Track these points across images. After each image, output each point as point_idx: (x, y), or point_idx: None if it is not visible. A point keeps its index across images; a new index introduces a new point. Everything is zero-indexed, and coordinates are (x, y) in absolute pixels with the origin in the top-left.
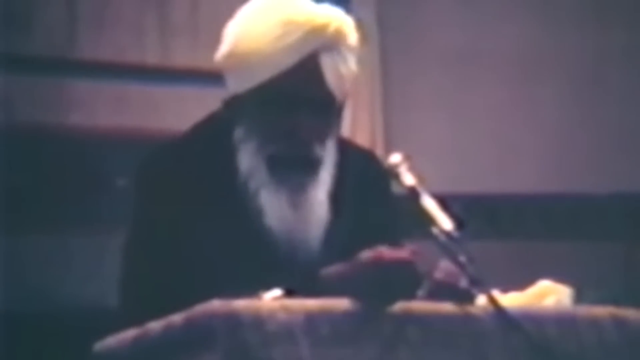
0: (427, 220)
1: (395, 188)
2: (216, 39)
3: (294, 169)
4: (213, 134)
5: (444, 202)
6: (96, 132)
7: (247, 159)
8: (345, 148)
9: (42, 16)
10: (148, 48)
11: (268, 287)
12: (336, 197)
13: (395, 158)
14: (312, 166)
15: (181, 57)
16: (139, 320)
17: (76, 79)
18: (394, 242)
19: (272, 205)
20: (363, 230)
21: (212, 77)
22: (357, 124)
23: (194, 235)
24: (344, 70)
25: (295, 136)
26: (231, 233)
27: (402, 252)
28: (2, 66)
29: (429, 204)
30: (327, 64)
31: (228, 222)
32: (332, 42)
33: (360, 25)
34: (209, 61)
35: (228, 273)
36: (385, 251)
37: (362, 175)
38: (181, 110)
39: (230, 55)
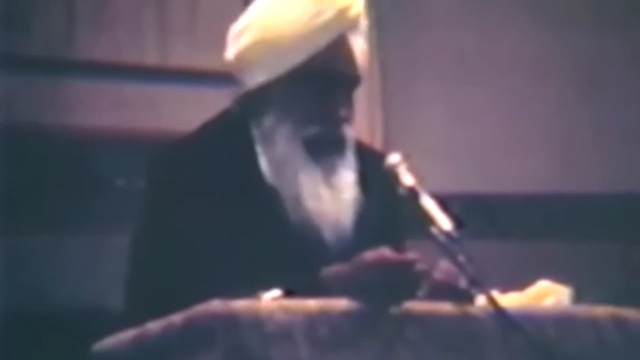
0: (426, 220)
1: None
2: (215, 39)
3: (328, 150)
4: (227, 130)
5: (443, 202)
6: (95, 132)
7: (282, 144)
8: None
9: (41, 16)
10: (147, 48)
11: (283, 282)
12: (361, 179)
13: (394, 158)
14: (342, 146)
15: (180, 57)
16: (149, 318)
17: (75, 79)
18: (398, 243)
19: (309, 188)
20: (383, 221)
21: (211, 77)
22: (356, 123)
23: (218, 229)
24: (365, 49)
25: (332, 116)
26: (254, 226)
27: (405, 252)
28: (1, 66)
29: (428, 203)
30: (354, 42)
31: (249, 217)
32: (357, 22)
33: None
34: (208, 61)
35: (261, 260)
36: (388, 251)
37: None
38: (180, 110)
39: (259, 43)
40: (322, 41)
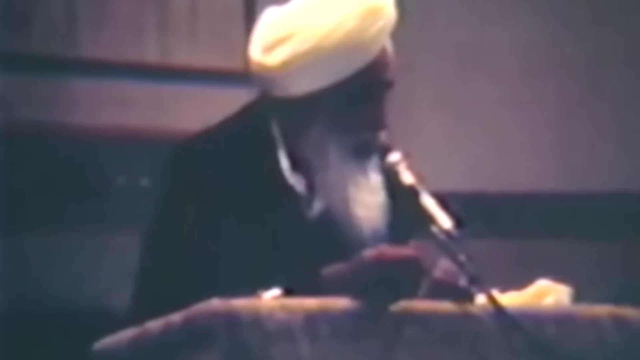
0: (427, 219)
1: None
2: (215, 38)
3: (367, 155)
4: (247, 128)
5: (443, 201)
6: (96, 131)
7: (334, 154)
8: None
9: (42, 15)
10: (147, 47)
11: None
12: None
13: (394, 156)
14: (374, 151)
15: (180, 56)
16: (159, 314)
17: (75, 78)
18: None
19: (355, 194)
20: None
21: (212, 76)
22: None
23: (235, 226)
24: (393, 51)
25: (378, 123)
26: (276, 223)
27: (406, 250)
28: (1, 65)
29: (428, 202)
30: (390, 49)
31: (271, 213)
32: (392, 29)
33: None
34: (208, 60)
35: (288, 260)
36: (389, 249)
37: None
38: (180, 109)
39: (309, 52)
40: (375, 50)
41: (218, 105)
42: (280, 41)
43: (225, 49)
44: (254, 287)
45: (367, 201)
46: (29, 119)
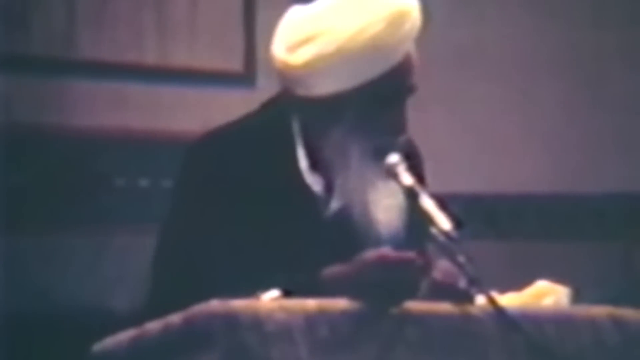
0: (426, 220)
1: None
2: (215, 39)
3: (384, 158)
4: (267, 126)
5: (443, 202)
6: (95, 132)
7: (356, 156)
8: None
9: (41, 16)
10: (147, 48)
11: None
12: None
13: (393, 158)
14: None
15: (180, 57)
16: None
17: (75, 79)
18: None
19: (374, 196)
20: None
21: (211, 76)
22: None
23: (251, 224)
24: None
25: (400, 126)
26: (293, 221)
27: (407, 252)
28: (1, 66)
29: (428, 203)
30: (413, 53)
31: (288, 211)
32: (417, 31)
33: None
34: (208, 61)
35: (305, 259)
36: (389, 251)
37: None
38: (180, 110)
39: (334, 53)
40: (401, 53)
41: (217, 107)
42: (305, 41)
43: (224, 50)
44: (267, 285)
45: (385, 204)
46: (29, 120)
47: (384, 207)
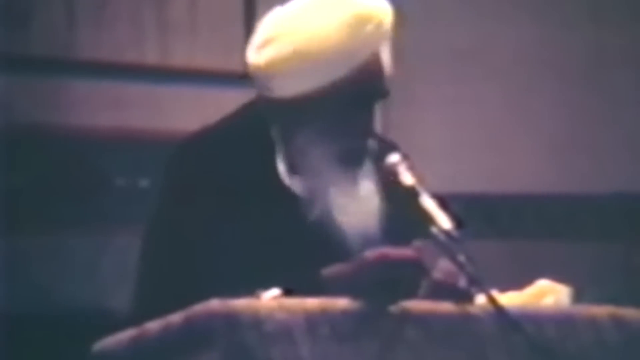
0: (426, 219)
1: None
2: (215, 39)
3: (355, 162)
4: (246, 129)
5: (443, 202)
6: (95, 132)
7: (317, 158)
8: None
9: (41, 16)
10: (147, 47)
11: (283, 281)
12: (380, 187)
13: (394, 157)
14: (365, 157)
15: (180, 57)
16: (160, 314)
17: (75, 79)
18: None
19: (339, 202)
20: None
21: (212, 76)
22: None
23: (232, 227)
24: (390, 61)
25: (365, 130)
26: (270, 228)
27: (407, 251)
28: (1, 66)
29: (428, 203)
30: (384, 56)
31: (266, 217)
32: (387, 35)
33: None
34: (208, 60)
35: (283, 266)
36: (390, 250)
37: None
38: (180, 110)
39: (293, 54)
40: (363, 56)
41: (218, 106)
42: (267, 42)
43: (225, 50)
44: (251, 287)
45: (352, 209)
46: (29, 120)
47: (351, 212)
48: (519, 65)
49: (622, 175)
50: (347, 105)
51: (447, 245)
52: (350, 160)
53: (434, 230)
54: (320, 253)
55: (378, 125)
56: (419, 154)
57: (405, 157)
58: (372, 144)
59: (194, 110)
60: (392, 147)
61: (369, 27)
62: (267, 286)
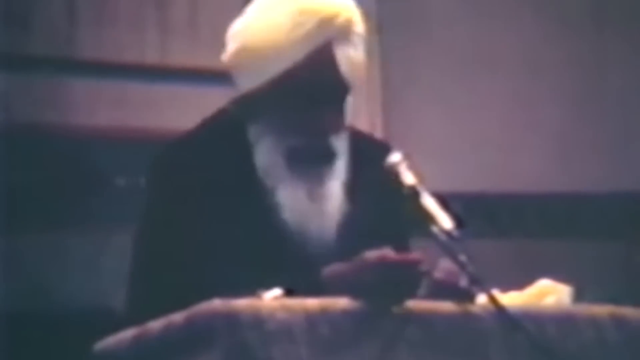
0: (427, 219)
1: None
2: (215, 38)
3: (311, 162)
4: (225, 131)
5: (444, 201)
6: (95, 131)
7: (265, 155)
8: (359, 138)
9: (42, 15)
10: (147, 47)
11: (284, 282)
12: (351, 188)
13: (395, 157)
14: (329, 157)
15: (180, 56)
16: (149, 316)
17: (75, 79)
18: (403, 240)
19: (290, 200)
20: (378, 223)
21: (212, 76)
22: (356, 123)
23: (208, 230)
24: (357, 58)
25: (314, 128)
26: (247, 228)
27: (410, 254)
28: (1, 65)
29: (429, 202)
30: (341, 53)
31: (243, 218)
32: (344, 31)
33: (366, 16)
34: (209, 60)
35: (244, 268)
36: (390, 252)
37: (377, 166)
38: (181, 110)
39: (241, 51)
40: (302, 52)
41: (217, 106)
42: (229, 40)
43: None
44: (234, 290)
45: (305, 208)
46: (29, 119)
47: (309, 212)
48: (519, 65)
49: (622, 175)
50: (290, 102)
51: (448, 244)
52: (303, 159)
53: (434, 229)
54: (276, 253)
55: (378, 125)
56: (419, 154)
57: (406, 156)
58: (339, 144)
59: (194, 110)
60: (383, 147)
61: (310, 24)
62: (251, 286)
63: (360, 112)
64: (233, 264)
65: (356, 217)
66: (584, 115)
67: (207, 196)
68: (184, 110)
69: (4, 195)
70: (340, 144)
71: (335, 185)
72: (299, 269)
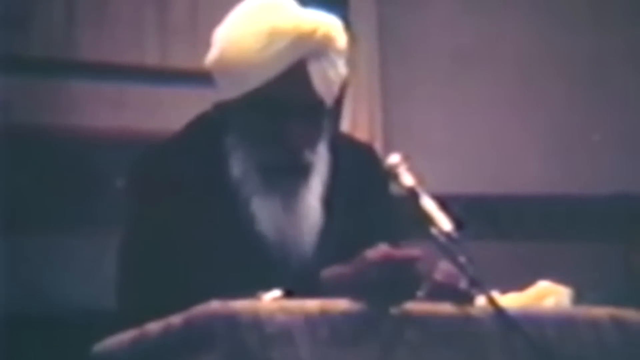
0: (427, 221)
1: (394, 188)
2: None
3: (285, 175)
4: (205, 137)
5: (444, 203)
6: (95, 133)
7: (239, 165)
8: (343, 144)
9: (41, 17)
10: (147, 48)
11: (263, 290)
12: (330, 201)
13: (394, 158)
14: (303, 172)
15: (180, 58)
16: (134, 322)
17: (75, 80)
18: (392, 239)
19: (264, 212)
20: (360, 231)
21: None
22: (356, 124)
23: (185, 238)
24: (333, 75)
25: (285, 143)
26: (223, 238)
27: (411, 250)
28: (1, 67)
29: (429, 204)
30: (315, 70)
31: (220, 227)
32: (320, 48)
33: (348, 27)
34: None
35: (220, 277)
36: (389, 249)
37: (360, 170)
38: (180, 111)
39: (219, 61)
40: (275, 70)
41: None
42: (211, 44)
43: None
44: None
45: (281, 221)
46: (29, 121)
47: (283, 225)
48: (519, 66)
49: (622, 177)
50: (262, 118)
51: (447, 246)
52: (277, 174)
53: (434, 231)
54: (254, 264)
55: (378, 126)
56: (419, 155)
57: (406, 158)
58: (314, 157)
59: (194, 112)
60: (366, 149)
61: (284, 42)
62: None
63: (361, 112)
64: (209, 272)
65: (334, 231)
66: (583, 117)
67: (182, 204)
68: (184, 111)
69: (3, 197)
70: (317, 158)
71: (312, 200)
72: (278, 279)
